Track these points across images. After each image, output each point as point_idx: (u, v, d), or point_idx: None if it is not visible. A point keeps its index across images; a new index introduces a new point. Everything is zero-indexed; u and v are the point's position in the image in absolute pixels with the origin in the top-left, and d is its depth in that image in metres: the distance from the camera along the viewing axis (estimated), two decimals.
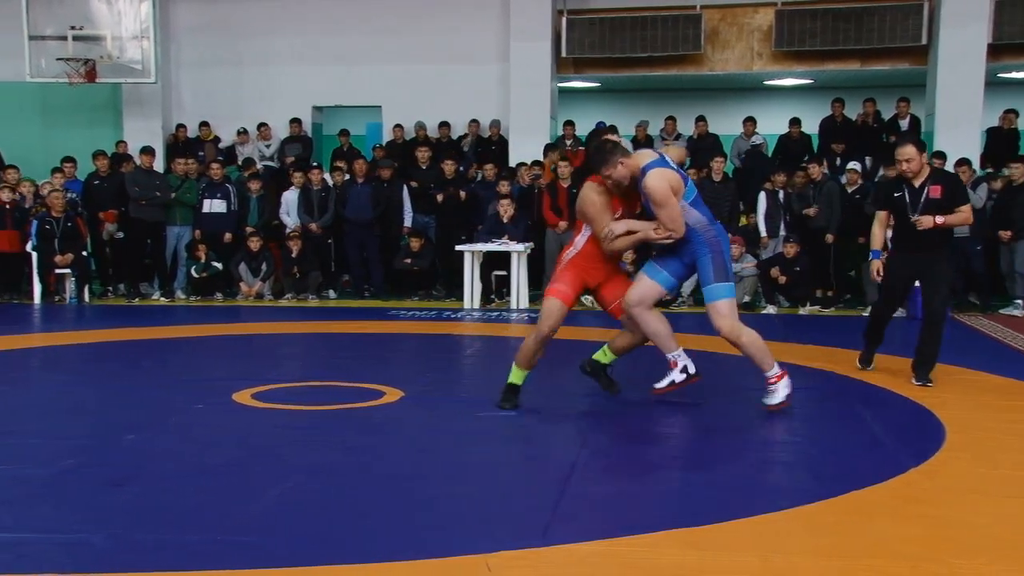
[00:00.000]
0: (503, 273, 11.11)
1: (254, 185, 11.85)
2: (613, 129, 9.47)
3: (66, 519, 3.70)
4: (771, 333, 6.74)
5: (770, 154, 12.85)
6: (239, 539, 3.46)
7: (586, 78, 14.50)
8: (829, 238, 10.72)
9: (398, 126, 13.45)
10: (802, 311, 10.30)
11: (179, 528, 3.59)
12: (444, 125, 13.34)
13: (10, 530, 3.57)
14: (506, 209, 10.90)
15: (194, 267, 11.40)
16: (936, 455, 4.54)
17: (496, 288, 11.28)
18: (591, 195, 5.39)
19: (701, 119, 12.98)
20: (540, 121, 13.32)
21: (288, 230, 11.68)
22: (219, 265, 11.42)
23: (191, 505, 3.86)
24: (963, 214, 6.20)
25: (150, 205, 11.43)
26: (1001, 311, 10.15)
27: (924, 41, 12.38)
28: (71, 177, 12.14)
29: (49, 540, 3.46)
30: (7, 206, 11.10)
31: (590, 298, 6.52)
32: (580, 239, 5.54)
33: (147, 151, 11.78)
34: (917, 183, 6.16)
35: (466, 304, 10.70)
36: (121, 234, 11.71)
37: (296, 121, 13.68)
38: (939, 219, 6.10)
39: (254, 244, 11.35)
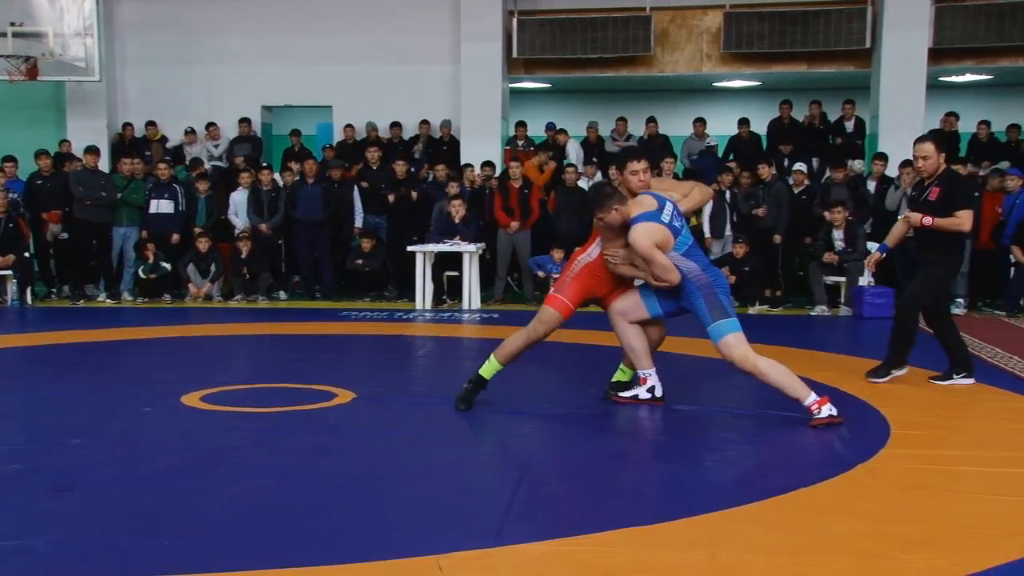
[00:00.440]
0: (455, 274, 11.10)
1: (202, 185, 11.72)
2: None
3: (8, 526, 3.62)
4: None
5: (720, 155, 13.00)
6: (190, 543, 3.41)
7: (537, 79, 14.54)
8: (777, 239, 10.87)
9: (349, 126, 13.37)
10: (751, 311, 10.42)
11: (127, 533, 3.52)
12: (395, 125, 13.30)
13: None
14: (457, 210, 10.89)
15: (142, 267, 11.24)
16: (881, 452, 4.61)
17: (448, 289, 11.27)
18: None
19: (652, 120, 13.09)
20: (491, 122, 13.34)
21: (237, 231, 11.56)
22: (168, 266, 11.26)
23: (139, 510, 3.80)
24: (955, 220, 5.95)
25: (95, 205, 11.23)
26: None
27: (868, 44, 12.61)
28: (12, 177, 11.90)
29: None
30: None
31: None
32: (595, 248, 5.51)
33: (92, 150, 11.57)
34: (928, 182, 6.10)
35: (418, 305, 10.68)
36: (66, 235, 11.51)
37: (245, 121, 13.55)
38: (927, 220, 5.97)
39: (202, 245, 11.21)
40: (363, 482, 4.20)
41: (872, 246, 10.62)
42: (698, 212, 11.18)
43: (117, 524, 3.63)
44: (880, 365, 6.31)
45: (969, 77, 14.37)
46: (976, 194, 7.32)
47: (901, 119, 12.38)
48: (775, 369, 5.13)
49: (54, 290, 11.77)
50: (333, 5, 13.82)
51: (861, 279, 10.32)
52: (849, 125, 12.78)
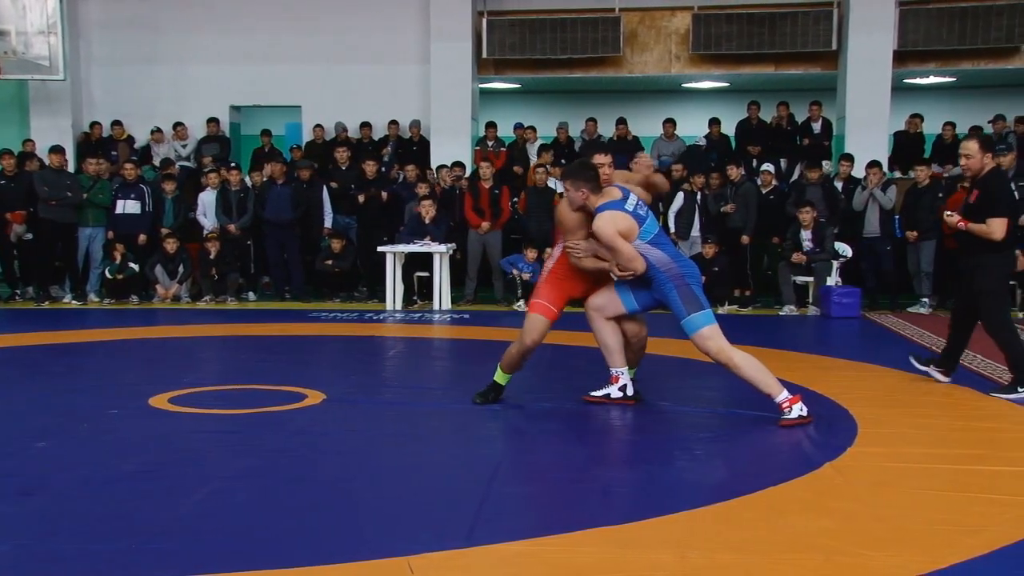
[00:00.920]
0: (425, 274, 11.08)
1: (168, 186, 11.61)
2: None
3: None
4: None
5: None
6: (157, 546, 3.38)
7: (507, 79, 14.55)
8: (744, 239, 10.95)
9: (318, 126, 13.31)
10: (720, 310, 10.46)
11: (92, 537, 3.49)
12: (365, 126, 13.25)
13: None
14: (428, 210, 10.87)
15: (109, 268, 11.11)
16: (848, 450, 4.66)
17: (418, 289, 11.25)
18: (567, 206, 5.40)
19: (622, 121, 13.14)
20: (461, 122, 13.33)
21: (206, 231, 11.47)
22: (135, 266, 11.15)
23: (106, 513, 3.76)
24: (985, 227, 5.79)
25: (60, 206, 11.08)
26: (908, 309, 10.48)
27: (834, 46, 12.73)
28: None
29: None
30: None
31: None
32: (557, 249, 5.57)
33: (57, 150, 11.41)
34: (973, 183, 6.00)
35: (388, 305, 10.64)
36: (30, 235, 11.34)
37: (213, 121, 13.44)
38: (961, 223, 5.88)
39: (170, 246, 11.11)
40: (333, 483, 4.19)
41: (840, 246, 10.77)
42: (664, 209, 11.22)
43: (83, 528, 3.59)
44: (1011, 381, 5.99)
45: (933, 79, 14.57)
46: (1017, 199, 7.10)
47: (867, 120, 12.54)
48: (749, 363, 5.16)
49: (18, 291, 11.61)
50: (302, 5, 13.75)
51: (829, 279, 10.43)
52: (816, 126, 12.90)
